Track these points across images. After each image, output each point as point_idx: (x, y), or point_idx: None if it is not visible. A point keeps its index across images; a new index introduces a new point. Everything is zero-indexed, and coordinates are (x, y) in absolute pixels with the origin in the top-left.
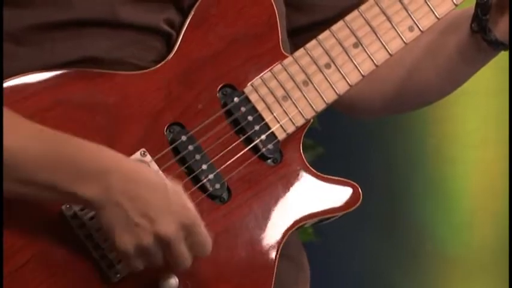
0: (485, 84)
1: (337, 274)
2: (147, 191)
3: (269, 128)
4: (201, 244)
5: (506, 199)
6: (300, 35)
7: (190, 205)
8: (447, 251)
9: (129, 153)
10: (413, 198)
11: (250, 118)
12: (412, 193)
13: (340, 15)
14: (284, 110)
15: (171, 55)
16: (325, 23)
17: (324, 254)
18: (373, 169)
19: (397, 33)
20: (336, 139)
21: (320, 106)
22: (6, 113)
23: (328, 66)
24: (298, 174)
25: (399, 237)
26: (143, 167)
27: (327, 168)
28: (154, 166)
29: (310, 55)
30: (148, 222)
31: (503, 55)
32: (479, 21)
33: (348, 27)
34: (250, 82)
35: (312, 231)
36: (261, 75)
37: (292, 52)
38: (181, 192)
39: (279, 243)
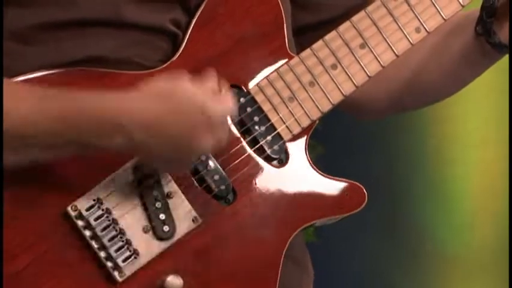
0: (485, 84)
1: (337, 274)
2: (168, 127)
3: (275, 129)
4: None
5: (506, 199)
6: (306, 33)
7: (200, 98)
8: (447, 251)
9: None
10: (413, 199)
11: (256, 119)
12: (413, 194)
13: (346, 14)
14: (290, 111)
15: (177, 55)
16: (331, 22)
17: (324, 254)
18: (374, 169)
19: (404, 34)
20: (337, 139)
21: (326, 107)
22: (7, 80)
23: (334, 67)
24: (303, 175)
25: (399, 238)
26: (151, 103)
27: (327, 168)
28: None
29: (316, 56)
30: (186, 153)
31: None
32: (484, 24)
33: (354, 27)
34: (257, 82)
35: (312, 231)
36: (267, 75)
37: (297, 51)
38: (190, 93)
39: (284, 244)
